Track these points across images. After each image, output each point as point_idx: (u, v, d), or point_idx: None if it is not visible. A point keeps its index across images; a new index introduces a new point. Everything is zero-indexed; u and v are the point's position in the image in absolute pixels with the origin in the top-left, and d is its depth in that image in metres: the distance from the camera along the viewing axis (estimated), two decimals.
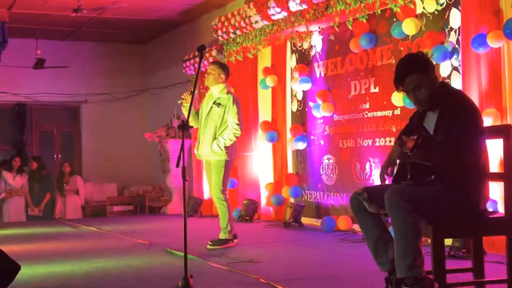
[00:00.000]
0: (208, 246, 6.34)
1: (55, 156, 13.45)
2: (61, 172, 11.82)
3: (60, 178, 11.74)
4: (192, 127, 5.55)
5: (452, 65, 6.13)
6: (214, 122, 6.44)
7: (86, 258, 6.07)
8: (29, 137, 13.19)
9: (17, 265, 3.82)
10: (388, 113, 7.08)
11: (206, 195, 10.53)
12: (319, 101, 8.07)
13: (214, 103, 6.50)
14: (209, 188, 6.71)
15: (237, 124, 6.39)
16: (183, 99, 6.53)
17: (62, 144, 13.79)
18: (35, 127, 13.34)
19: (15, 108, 12.73)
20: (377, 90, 7.30)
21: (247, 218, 8.96)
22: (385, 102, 7.09)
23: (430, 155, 3.30)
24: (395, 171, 3.54)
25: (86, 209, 12.26)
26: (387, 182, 3.57)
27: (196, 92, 9.16)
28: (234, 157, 6.59)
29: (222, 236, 6.40)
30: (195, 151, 6.73)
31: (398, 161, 3.51)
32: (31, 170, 11.47)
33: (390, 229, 3.45)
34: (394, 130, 6.94)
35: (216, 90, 6.54)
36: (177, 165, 4.40)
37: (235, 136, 6.41)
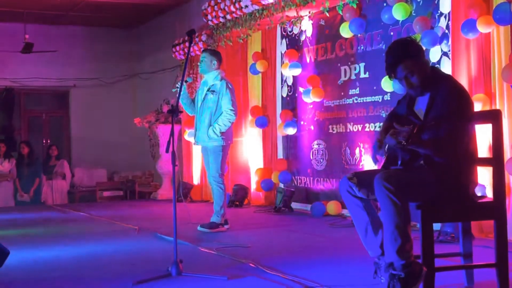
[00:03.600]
0: (199, 228, 6.37)
1: (44, 141, 13.38)
2: (48, 155, 11.76)
3: (46, 161, 11.68)
4: (181, 112, 5.54)
5: (442, 50, 6.13)
6: (209, 109, 6.48)
7: (76, 243, 6.07)
8: (18, 122, 13.11)
9: (6, 250, 3.81)
10: (378, 98, 7.09)
11: (196, 181, 10.53)
12: (309, 87, 8.07)
13: (208, 90, 6.53)
14: (206, 173, 6.74)
15: (231, 110, 6.42)
16: (177, 87, 6.54)
17: (51, 129, 13.73)
18: (24, 112, 13.26)
19: (3, 93, 12.64)
20: (367, 75, 7.30)
21: (237, 203, 8.98)
22: (375, 87, 7.10)
23: (424, 142, 3.31)
24: (385, 156, 3.54)
25: (76, 194, 12.23)
26: (377, 165, 3.57)
27: (191, 80, 9.19)
28: (230, 142, 6.67)
29: (214, 219, 6.42)
30: (192, 138, 6.75)
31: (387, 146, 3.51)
32: (19, 155, 11.41)
33: (379, 214, 3.46)
34: (383, 115, 6.95)
35: (210, 77, 6.57)
36: (167, 151, 4.40)
37: (230, 122, 6.45)
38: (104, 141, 13.25)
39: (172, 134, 4.38)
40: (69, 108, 13.66)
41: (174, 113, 4.58)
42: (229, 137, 6.58)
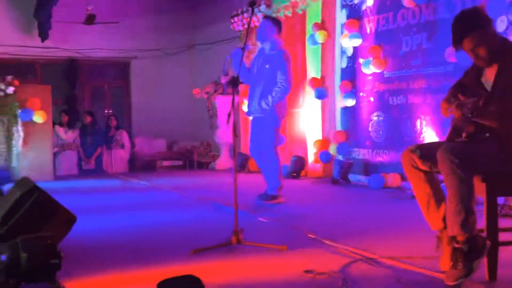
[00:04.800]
0: (257, 200, 6.40)
1: (106, 111, 13.66)
2: (108, 125, 12.02)
3: (106, 131, 11.94)
4: (242, 83, 5.53)
5: (508, 19, 5.92)
6: (264, 79, 6.36)
7: (137, 211, 6.22)
8: (81, 92, 13.42)
9: (74, 217, 3.94)
10: (441, 69, 6.93)
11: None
12: (369, 57, 7.95)
13: (264, 60, 6.42)
14: (252, 145, 6.66)
15: (287, 82, 6.30)
16: (232, 56, 6.42)
17: (113, 100, 14.00)
18: (87, 82, 13.55)
19: (67, 64, 12.92)
20: (429, 45, 7.13)
21: (294, 174, 8.99)
22: (437, 58, 6.94)
23: (490, 114, 3.21)
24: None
25: (136, 163, 12.49)
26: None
27: (248, 48, 9.12)
28: (283, 114, 6.54)
29: (270, 191, 6.44)
30: (243, 108, 6.69)
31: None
32: (83, 124, 11.70)
33: (442, 186, 3.41)
34: (446, 87, 6.78)
35: (267, 45, 6.45)
36: (228, 121, 4.42)
37: (284, 94, 6.33)
38: (163, 111, 13.43)
39: (233, 104, 4.40)
40: (129, 79, 13.88)
41: (235, 83, 4.59)
42: (283, 109, 6.48)
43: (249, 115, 6.65)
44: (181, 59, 13.86)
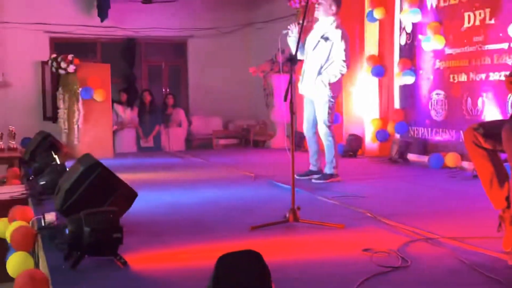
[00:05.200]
0: (313, 180, 6.38)
1: (163, 90, 13.82)
2: (165, 104, 12.17)
3: (163, 110, 12.09)
4: (300, 60, 5.48)
5: None
6: (320, 56, 6.28)
7: (195, 188, 6.29)
8: (139, 71, 13.60)
9: (135, 193, 4.01)
10: (504, 45, 6.71)
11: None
12: (430, 34, 7.76)
13: (321, 37, 6.32)
14: (306, 123, 6.63)
15: (344, 61, 6.19)
16: (288, 29, 6.34)
17: (170, 78, 14.15)
18: (144, 61, 13.72)
19: (125, 43, 13.11)
20: (492, 21, 6.91)
21: (351, 153, 8.92)
22: (501, 34, 6.72)
23: None
24: None
25: (193, 141, 12.62)
26: None
27: (304, 24, 9.03)
28: (338, 93, 6.47)
29: (327, 170, 6.40)
30: (299, 85, 6.61)
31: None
32: (141, 103, 11.88)
33: (506, 165, 3.32)
34: (510, 63, 6.58)
35: (325, 23, 6.34)
36: (285, 99, 4.40)
37: (341, 73, 6.24)
38: (219, 90, 13.49)
39: (290, 82, 4.38)
40: (186, 57, 13.98)
41: (293, 61, 4.56)
42: (338, 88, 6.39)
43: (303, 93, 6.58)
44: (238, 37, 13.86)
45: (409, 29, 8.38)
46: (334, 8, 6.28)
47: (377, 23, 8.92)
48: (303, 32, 5.27)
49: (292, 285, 2.88)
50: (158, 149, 11.58)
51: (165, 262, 3.34)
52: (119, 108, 11.61)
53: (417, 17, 8.06)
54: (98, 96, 10.03)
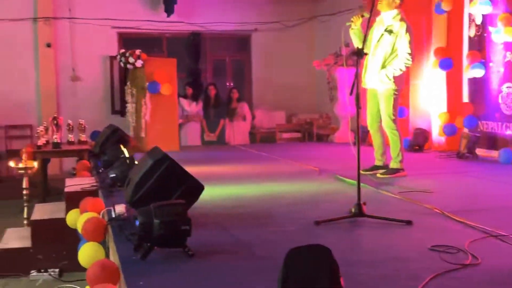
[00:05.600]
0: (378, 175, 6.31)
1: (227, 84, 13.94)
2: (230, 98, 12.27)
3: (228, 104, 12.19)
4: (366, 54, 5.42)
5: None
6: (383, 50, 6.20)
7: (259, 182, 6.32)
8: (204, 65, 13.76)
9: (202, 186, 4.07)
10: None
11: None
12: (500, 26, 7.53)
13: (385, 30, 6.24)
14: (369, 117, 6.55)
15: (409, 54, 6.09)
16: (351, 21, 6.27)
17: (234, 72, 14.25)
18: (209, 55, 13.86)
19: (191, 37, 13.28)
20: None
21: (417, 147, 8.77)
22: None
23: None
24: None
25: (256, 135, 12.69)
26: None
27: (368, 16, 8.93)
28: (402, 87, 6.38)
29: (393, 165, 6.33)
30: (362, 79, 6.53)
31: None
32: (206, 97, 12.01)
33: None
34: None
35: (389, 16, 6.25)
36: (351, 93, 4.37)
37: (406, 66, 6.15)
38: (283, 84, 13.50)
39: (356, 75, 4.35)
40: (250, 51, 14.04)
41: (359, 54, 4.52)
42: (402, 81, 6.29)
43: (367, 87, 6.49)
44: (302, 31, 13.82)
45: (478, 20, 8.15)
46: (397, 1, 6.18)
47: (445, 15, 8.72)
48: (366, 25, 5.22)
49: (359, 280, 2.87)
50: (222, 142, 11.69)
51: (232, 255, 3.39)
52: (184, 102, 11.78)
53: (488, 9, 7.84)
54: (164, 90, 10.21)
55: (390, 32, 6.17)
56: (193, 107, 11.87)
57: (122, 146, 6.10)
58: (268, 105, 13.36)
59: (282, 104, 13.37)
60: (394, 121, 6.25)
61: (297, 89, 13.55)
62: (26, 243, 6.39)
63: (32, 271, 6.14)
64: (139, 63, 10.25)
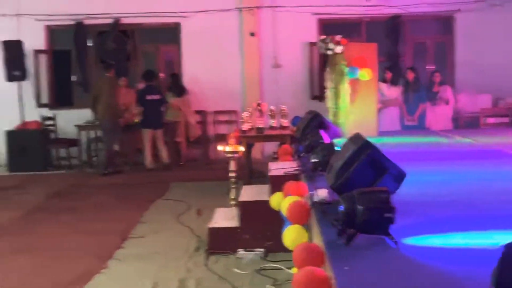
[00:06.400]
0: None
1: (427, 67, 13.53)
2: (431, 81, 11.87)
3: (429, 87, 11.81)
4: None
5: None
6: None
7: (463, 168, 6.03)
8: (403, 48, 13.46)
9: (404, 173, 4.02)
10: None
11: None
12: None
13: None
14: None
15: None
16: None
17: (435, 55, 13.77)
18: (409, 38, 13.54)
19: (390, 21, 13.06)
20: None
21: None
22: None
23: None
24: None
25: (459, 120, 12.18)
26: None
27: None
28: None
29: None
30: None
31: None
32: (406, 81, 11.77)
33: None
34: None
35: None
36: None
37: None
38: (488, 66, 12.77)
39: None
40: (453, 33, 13.46)
41: None
42: None
43: None
44: (508, 10, 12.95)
45: None
46: None
47: None
48: None
49: None
50: (422, 127, 11.39)
51: (438, 245, 3.31)
52: (383, 86, 11.64)
53: None
54: (364, 75, 10.16)
55: None
56: (392, 91, 11.69)
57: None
58: (472, 88, 12.74)
59: (488, 87, 12.68)
60: None
61: (504, 71, 12.75)
62: (234, 222, 6.80)
63: (239, 250, 6.53)
64: (339, 49, 10.31)
